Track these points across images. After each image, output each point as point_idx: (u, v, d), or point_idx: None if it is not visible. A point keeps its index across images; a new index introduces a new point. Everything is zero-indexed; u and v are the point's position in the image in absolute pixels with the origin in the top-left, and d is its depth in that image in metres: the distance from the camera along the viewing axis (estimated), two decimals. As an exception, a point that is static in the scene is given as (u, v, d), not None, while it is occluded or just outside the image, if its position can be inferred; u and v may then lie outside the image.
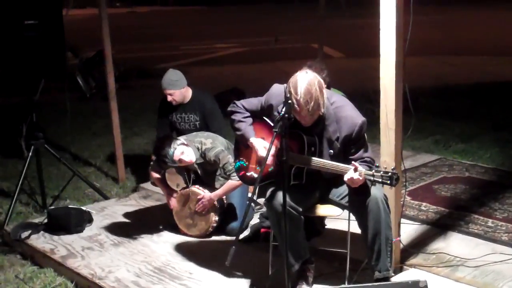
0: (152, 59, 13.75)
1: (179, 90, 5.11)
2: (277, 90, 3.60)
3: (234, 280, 3.86)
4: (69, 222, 4.76)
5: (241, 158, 3.76)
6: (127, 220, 5.02)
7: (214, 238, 4.54)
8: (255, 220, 4.64)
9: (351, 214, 3.60)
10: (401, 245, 3.88)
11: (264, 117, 3.65)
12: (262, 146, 3.57)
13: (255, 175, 3.62)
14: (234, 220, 4.54)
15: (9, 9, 4.96)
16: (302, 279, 3.62)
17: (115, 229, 4.80)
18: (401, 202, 3.82)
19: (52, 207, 5.23)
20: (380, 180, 3.23)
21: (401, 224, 3.83)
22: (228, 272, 3.90)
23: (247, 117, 3.71)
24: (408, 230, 4.34)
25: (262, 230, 4.39)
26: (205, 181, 4.62)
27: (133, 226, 4.85)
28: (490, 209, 4.75)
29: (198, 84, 5.49)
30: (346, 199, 3.54)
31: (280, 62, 12.36)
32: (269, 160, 3.43)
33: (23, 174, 5.20)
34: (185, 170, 4.62)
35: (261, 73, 11.63)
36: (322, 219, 4.36)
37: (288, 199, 3.24)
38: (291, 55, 12.71)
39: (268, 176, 3.52)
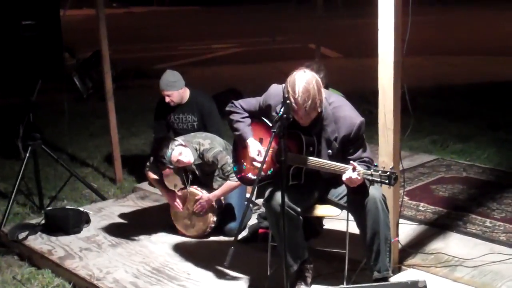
0: (149, 60, 13.74)
1: (177, 91, 5.11)
2: (275, 90, 3.60)
3: (233, 281, 3.85)
4: (66, 223, 4.74)
5: (238, 162, 3.76)
6: (124, 221, 5.01)
7: (212, 238, 4.53)
8: (253, 220, 4.63)
9: (349, 214, 3.60)
10: (400, 245, 3.88)
11: (263, 118, 3.65)
12: (256, 149, 3.57)
13: (253, 177, 3.62)
14: (232, 220, 4.53)
15: (7, 9, 4.95)
16: (301, 280, 3.62)
17: (113, 230, 4.79)
18: (399, 202, 3.82)
19: (50, 208, 5.22)
20: (378, 179, 3.23)
21: (399, 224, 3.83)
22: (226, 273, 3.90)
23: (245, 117, 3.71)
24: (406, 230, 4.34)
25: (260, 230, 4.39)
26: (203, 181, 4.61)
27: (131, 227, 4.84)
28: (488, 209, 4.75)
29: (196, 84, 5.49)
30: (345, 199, 3.54)
31: (277, 63, 12.35)
32: (267, 161, 3.42)
33: (20, 175, 5.19)
34: (183, 170, 4.61)
35: (258, 73, 11.63)
36: (320, 219, 4.36)
37: (286, 199, 3.23)
38: (289, 56, 12.71)
39: (266, 177, 3.52)
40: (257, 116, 3.71)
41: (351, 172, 3.27)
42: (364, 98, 6.42)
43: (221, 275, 3.91)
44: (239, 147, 3.80)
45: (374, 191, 3.39)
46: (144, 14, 28.68)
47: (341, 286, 3.57)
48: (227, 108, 3.78)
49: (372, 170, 3.25)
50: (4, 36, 4.99)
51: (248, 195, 4.65)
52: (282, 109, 3.17)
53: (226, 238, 4.49)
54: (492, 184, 5.38)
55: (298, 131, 3.44)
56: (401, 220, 3.94)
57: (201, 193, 4.46)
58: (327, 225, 4.41)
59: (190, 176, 4.61)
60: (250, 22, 22.82)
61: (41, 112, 7.48)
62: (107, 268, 4.14)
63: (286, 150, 3.19)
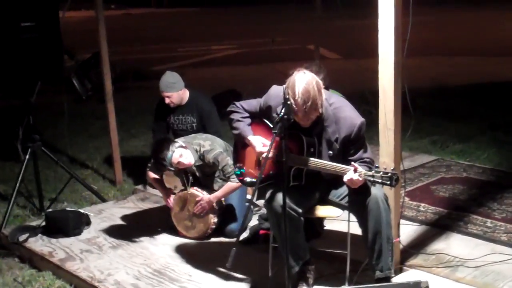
0: (148, 61, 13.73)
1: (176, 92, 5.11)
2: (275, 91, 3.60)
3: (234, 282, 3.85)
4: (67, 225, 4.74)
5: (238, 166, 3.76)
6: (125, 223, 5.01)
7: (213, 240, 4.53)
8: (253, 221, 4.63)
9: (351, 214, 3.59)
10: (401, 246, 3.88)
11: (264, 119, 3.65)
12: (260, 142, 3.56)
13: (254, 180, 3.61)
14: (233, 221, 4.53)
15: (6, 11, 4.94)
16: (303, 281, 3.62)
17: (113, 231, 4.79)
18: (400, 203, 3.82)
19: (50, 210, 5.22)
20: (380, 180, 3.22)
21: (400, 225, 3.83)
22: (228, 274, 3.89)
23: (245, 117, 3.71)
24: (407, 231, 4.34)
25: (261, 231, 4.38)
26: (203, 183, 4.61)
27: (132, 229, 4.83)
28: (488, 209, 4.75)
29: (195, 86, 5.48)
30: (346, 199, 3.53)
31: (276, 64, 12.34)
32: (268, 162, 3.42)
33: (20, 177, 5.18)
34: (183, 172, 4.60)
35: (257, 74, 11.61)
36: (321, 220, 4.36)
37: (288, 200, 3.24)
38: (288, 57, 12.70)
39: (267, 178, 3.51)
40: (257, 117, 3.70)
41: (352, 173, 3.26)
42: (364, 99, 6.41)
43: (223, 277, 3.90)
44: (239, 148, 3.79)
45: (376, 190, 3.39)
46: (142, 16, 28.66)
47: (343, 287, 3.57)
48: (228, 109, 3.78)
49: (373, 171, 3.25)
50: (3, 38, 4.98)
51: (248, 196, 4.65)
52: (283, 110, 3.17)
53: (227, 239, 4.48)
54: (492, 184, 5.38)
55: (299, 132, 3.43)
56: (402, 221, 3.94)
57: (202, 195, 4.45)
58: (328, 226, 4.41)
59: (190, 178, 4.60)
60: (249, 23, 22.81)
61: (41, 114, 7.47)
62: (108, 270, 4.14)
63: (287, 151, 3.19)
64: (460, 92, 9.53)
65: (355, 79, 9.48)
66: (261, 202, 3.72)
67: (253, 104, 3.74)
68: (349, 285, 3.60)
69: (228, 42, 17.31)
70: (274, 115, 3.47)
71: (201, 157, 4.46)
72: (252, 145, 3.59)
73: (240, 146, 3.77)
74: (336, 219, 3.78)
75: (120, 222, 5.02)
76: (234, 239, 4.23)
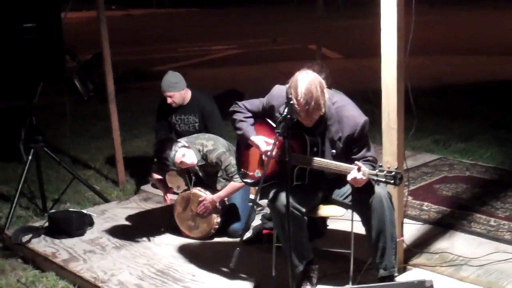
0: (149, 62, 13.74)
1: (178, 92, 5.11)
2: (278, 91, 3.59)
3: (238, 282, 3.84)
4: (70, 226, 4.74)
5: (241, 166, 3.77)
6: (128, 223, 5.01)
7: (216, 239, 4.53)
8: (256, 221, 4.62)
9: (354, 213, 3.59)
10: (404, 245, 3.88)
11: (266, 118, 3.64)
12: (263, 141, 3.56)
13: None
14: (236, 221, 4.53)
15: (8, 12, 4.94)
16: (306, 280, 3.61)
17: (116, 232, 4.79)
18: (404, 202, 3.82)
19: (53, 210, 5.22)
20: (383, 179, 3.22)
21: (404, 224, 3.82)
22: (231, 274, 3.89)
23: (248, 117, 3.71)
24: (411, 230, 4.34)
25: (264, 231, 4.38)
26: (206, 183, 4.61)
27: (135, 229, 4.83)
28: (492, 208, 4.74)
29: (196, 86, 5.48)
30: (350, 198, 3.53)
31: (278, 64, 12.34)
32: (271, 162, 3.42)
33: (23, 178, 5.18)
34: (186, 172, 4.60)
35: (259, 74, 11.61)
36: (324, 220, 4.36)
37: (291, 200, 3.23)
38: (289, 57, 12.70)
39: (270, 177, 3.51)
40: (260, 117, 3.70)
41: (356, 172, 3.26)
42: (366, 98, 6.42)
43: (226, 276, 3.90)
44: (241, 148, 3.79)
45: (380, 189, 3.39)
46: (143, 16, 28.66)
47: (347, 286, 3.57)
48: (231, 109, 3.78)
49: (377, 170, 3.24)
50: (5, 39, 4.98)
51: (251, 196, 4.65)
52: (285, 110, 3.17)
53: (230, 239, 4.48)
54: (495, 183, 5.38)
55: (302, 132, 3.43)
56: (405, 220, 3.94)
57: (205, 194, 4.45)
58: (331, 225, 4.41)
59: (193, 178, 4.60)
60: (250, 23, 22.80)
61: (43, 115, 7.47)
62: (111, 270, 4.13)
63: (290, 150, 3.19)
64: (462, 91, 9.52)
65: (356, 78, 9.49)
66: (264, 202, 3.72)
67: (255, 103, 3.73)
68: (353, 284, 3.59)
69: (229, 42, 17.31)
70: (277, 114, 3.47)
71: (204, 157, 4.46)
72: (255, 145, 3.59)
73: (243, 146, 3.77)
74: (340, 218, 3.78)
75: (123, 222, 5.02)
76: (237, 239, 4.25)
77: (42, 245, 4.61)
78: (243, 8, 28.18)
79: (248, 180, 3.75)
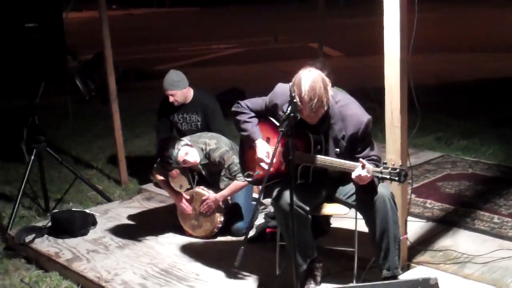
0: (150, 61, 13.75)
1: (180, 91, 5.11)
2: (281, 89, 3.59)
3: (242, 281, 3.84)
4: (73, 225, 4.74)
5: (244, 167, 3.78)
6: (131, 222, 5.01)
7: (219, 238, 4.52)
8: (260, 220, 4.62)
9: (358, 212, 3.58)
10: (408, 243, 3.87)
11: (270, 117, 3.64)
12: (265, 150, 3.56)
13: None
14: (239, 220, 4.52)
15: (10, 12, 4.94)
16: (311, 278, 3.61)
17: (119, 231, 4.79)
18: (407, 200, 3.81)
19: (56, 210, 5.22)
20: (388, 177, 3.20)
21: (407, 222, 3.82)
22: (235, 273, 3.89)
23: (252, 117, 3.70)
24: (414, 228, 4.32)
25: (268, 230, 4.38)
26: (209, 182, 4.60)
27: (138, 228, 4.83)
28: (495, 205, 4.74)
29: (198, 85, 5.48)
30: (353, 197, 3.52)
31: (279, 62, 12.34)
32: (275, 160, 3.41)
33: (25, 178, 5.18)
34: (189, 171, 4.60)
35: (260, 73, 11.62)
36: (327, 218, 4.35)
37: (295, 198, 3.22)
38: (290, 55, 12.70)
39: (274, 176, 3.51)
40: (263, 115, 3.69)
41: (361, 169, 3.25)
42: (367, 97, 6.40)
43: (230, 275, 3.90)
44: (245, 149, 3.78)
45: (383, 189, 3.38)
46: (144, 16, 28.69)
47: (351, 284, 3.56)
48: (233, 109, 3.76)
49: (381, 168, 3.23)
50: (7, 38, 4.98)
51: (255, 195, 4.65)
52: (289, 108, 3.16)
53: (233, 238, 4.48)
54: (498, 180, 5.37)
55: (306, 130, 3.42)
56: (408, 218, 3.92)
57: (208, 193, 4.45)
58: (335, 223, 4.40)
59: (196, 177, 4.60)
60: (250, 22, 22.80)
61: (44, 115, 7.47)
62: (115, 270, 4.13)
63: (293, 149, 3.18)
64: (464, 88, 9.52)
65: (358, 76, 9.48)
66: (267, 201, 3.71)
67: (258, 102, 3.72)
68: (357, 282, 3.59)
69: (230, 41, 17.31)
70: (280, 113, 3.46)
71: (207, 155, 4.45)
72: (256, 149, 3.59)
73: (247, 146, 3.76)
74: (343, 216, 3.77)
75: (126, 222, 5.02)
76: (240, 238, 4.25)
77: (45, 245, 4.61)
78: (244, 7, 28.19)
79: (252, 180, 3.74)
